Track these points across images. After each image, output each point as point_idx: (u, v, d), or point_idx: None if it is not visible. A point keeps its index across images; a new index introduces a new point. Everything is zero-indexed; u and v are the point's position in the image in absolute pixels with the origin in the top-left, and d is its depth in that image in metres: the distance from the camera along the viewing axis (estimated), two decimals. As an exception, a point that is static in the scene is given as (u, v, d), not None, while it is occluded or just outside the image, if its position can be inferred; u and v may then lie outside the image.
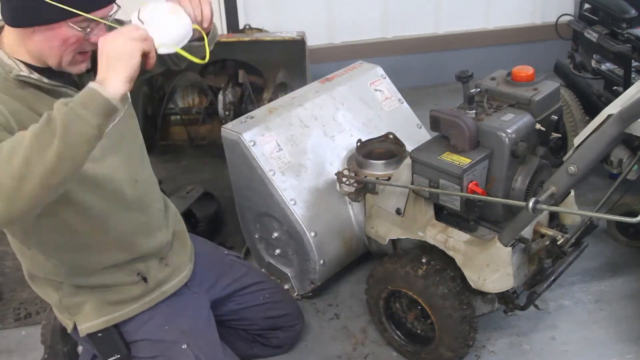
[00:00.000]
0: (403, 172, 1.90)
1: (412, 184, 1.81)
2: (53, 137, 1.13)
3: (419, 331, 1.98)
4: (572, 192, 1.93)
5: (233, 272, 1.89)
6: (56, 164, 1.14)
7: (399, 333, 2.01)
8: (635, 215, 1.39)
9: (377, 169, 2.06)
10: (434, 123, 1.75)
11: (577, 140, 1.78)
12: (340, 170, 2.10)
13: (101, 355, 1.64)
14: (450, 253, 1.81)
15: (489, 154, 1.70)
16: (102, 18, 1.34)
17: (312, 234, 2.05)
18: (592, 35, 2.63)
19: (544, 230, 1.80)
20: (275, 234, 2.17)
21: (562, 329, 2.09)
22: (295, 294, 2.23)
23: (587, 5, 2.76)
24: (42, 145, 1.13)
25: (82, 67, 1.41)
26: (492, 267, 1.73)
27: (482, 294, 1.88)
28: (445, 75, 3.53)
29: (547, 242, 1.79)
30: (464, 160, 1.67)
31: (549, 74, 2.04)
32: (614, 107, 1.76)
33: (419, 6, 3.65)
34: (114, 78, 1.22)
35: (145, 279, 1.63)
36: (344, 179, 2.06)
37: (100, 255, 1.57)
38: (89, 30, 1.34)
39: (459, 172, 1.65)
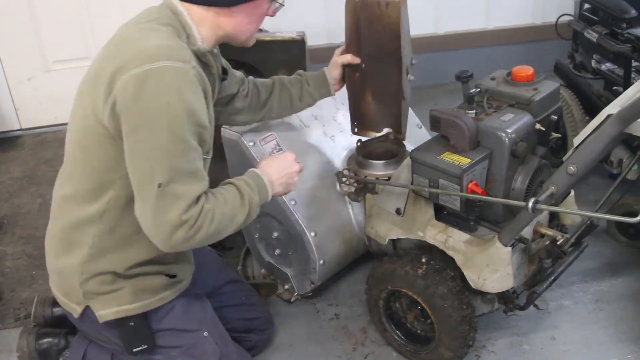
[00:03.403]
0: (403, 172, 1.90)
1: (412, 184, 1.81)
2: (244, 214, 1.51)
3: (419, 331, 1.98)
4: (572, 192, 1.93)
5: (212, 266, 1.93)
6: (236, 228, 1.51)
7: (399, 333, 2.01)
8: (635, 215, 1.39)
9: (377, 169, 2.06)
10: (434, 123, 1.76)
11: (576, 140, 1.78)
12: (340, 170, 2.10)
13: (127, 346, 1.62)
14: (450, 253, 1.81)
15: (489, 154, 1.70)
16: None
17: (312, 234, 2.05)
18: (592, 35, 2.63)
19: (544, 230, 1.80)
20: (275, 234, 2.17)
21: (562, 329, 2.09)
22: (295, 294, 2.24)
23: (587, 5, 2.76)
24: (235, 216, 1.49)
25: (252, 42, 1.64)
26: (492, 267, 1.73)
27: (482, 294, 1.88)
28: (445, 75, 3.52)
29: (547, 242, 1.79)
30: (464, 160, 1.67)
31: (549, 74, 2.04)
32: (613, 107, 1.76)
33: (419, 6, 3.63)
34: (278, 190, 1.65)
35: (172, 272, 1.66)
36: (344, 179, 2.06)
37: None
38: (272, 5, 1.58)
39: (459, 172, 1.65)
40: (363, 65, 1.94)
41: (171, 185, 1.35)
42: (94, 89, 1.42)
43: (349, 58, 1.93)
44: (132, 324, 1.60)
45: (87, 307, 1.59)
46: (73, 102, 1.56)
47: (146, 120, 1.34)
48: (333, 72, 1.97)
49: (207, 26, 1.52)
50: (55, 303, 1.92)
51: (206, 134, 1.45)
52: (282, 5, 1.61)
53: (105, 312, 1.58)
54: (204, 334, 1.69)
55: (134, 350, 1.62)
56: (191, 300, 1.72)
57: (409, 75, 1.91)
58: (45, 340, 1.84)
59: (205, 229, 1.40)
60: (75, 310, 1.61)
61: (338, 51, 1.98)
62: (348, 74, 1.98)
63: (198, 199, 1.39)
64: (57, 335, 1.85)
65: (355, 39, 1.92)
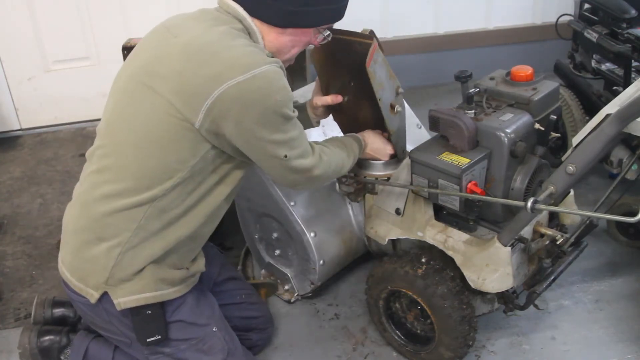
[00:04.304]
0: (402, 172, 1.90)
1: (411, 184, 1.81)
2: (349, 162, 1.84)
3: (418, 331, 1.98)
4: (572, 192, 1.93)
5: (215, 262, 1.94)
6: (344, 171, 1.84)
7: (399, 333, 2.01)
8: (635, 215, 1.39)
9: (376, 169, 2.06)
10: (433, 123, 1.76)
11: (575, 140, 1.78)
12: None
13: (141, 336, 1.62)
14: (450, 253, 1.81)
15: (488, 153, 1.70)
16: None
17: (312, 234, 2.05)
18: (592, 35, 2.63)
19: (543, 230, 1.80)
20: (275, 235, 2.17)
21: (562, 329, 2.09)
22: (295, 294, 2.24)
23: (587, 5, 2.76)
24: (344, 164, 1.82)
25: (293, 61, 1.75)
26: (491, 267, 1.73)
27: (482, 294, 1.88)
28: (445, 75, 3.53)
29: (547, 242, 1.79)
30: (463, 160, 1.67)
31: (549, 74, 2.04)
32: (612, 107, 1.75)
33: (419, 6, 3.65)
34: (367, 152, 1.95)
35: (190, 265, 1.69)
36: (344, 179, 2.06)
37: (203, 232, 1.68)
38: (318, 36, 1.67)
39: (458, 172, 1.65)
40: (345, 99, 1.92)
41: (293, 151, 1.57)
42: (179, 93, 1.47)
43: (328, 100, 1.92)
44: (150, 312, 1.60)
45: (104, 294, 1.58)
46: (122, 94, 1.59)
47: (262, 117, 1.48)
48: (315, 110, 1.96)
49: (264, 38, 1.61)
50: (55, 304, 1.92)
51: None
52: (327, 38, 1.69)
53: (125, 299, 1.57)
54: (213, 329, 1.70)
55: (148, 340, 1.61)
56: (200, 295, 1.73)
57: (396, 107, 1.88)
58: (47, 337, 1.84)
59: (326, 169, 1.70)
60: (92, 296, 1.59)
61: (316, 89, 1.97)
62: (332, 107, 1.96)
63: (313, 149, 1.67)
64: (58, 332, 1.85)
65: (331, 76, 1.91)
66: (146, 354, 1.68)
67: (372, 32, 1.77)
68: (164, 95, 1.48)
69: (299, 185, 1.69)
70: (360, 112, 1.94)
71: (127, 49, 2.80)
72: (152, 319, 1.61)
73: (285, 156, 1.56)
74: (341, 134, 2.06)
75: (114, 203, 1.54)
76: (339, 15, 1.65)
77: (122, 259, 1.55)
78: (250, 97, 1.45)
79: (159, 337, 1.62)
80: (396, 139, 1.97)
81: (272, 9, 1.55)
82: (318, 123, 2.00)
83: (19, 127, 3.46)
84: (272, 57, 1.57)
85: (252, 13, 1.58)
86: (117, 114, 1.59)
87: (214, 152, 1.55)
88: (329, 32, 1.69)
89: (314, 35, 1.66)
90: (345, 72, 1.88)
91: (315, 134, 2.19)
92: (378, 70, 1.77)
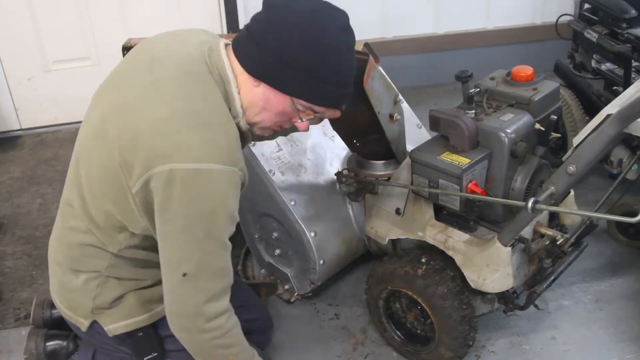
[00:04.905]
0: (403, 172, 1.90)
1: (411, 184, 1.81)
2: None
3: (418, 331, 1.98)
4: (572, 192, 1.93)
5: None
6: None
7: (399, 333, 2.01)
8: (635, 215, 1.40)
9: (376, 169, 2.06)
10: (434, 123, 1.76)
11: (576, 140, 1.78)
12: (340, 170, 2.10)
13: (137, 355, 1.62)
14: (450, 253, 1.81)
15: (489, 154, 1.70)
16: (318, 113, 1.48)
17: (312, 234, 2.05)
18: (592, 35, 2.63)
19: (543, 230, 1.80)
20: (275, 234, 2.17)
21: (562, 329, 2.09)
22: (295, 294, 2.24)
23: (587, 5, 2.76)
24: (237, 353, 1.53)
25: (267, 134, 1.57)
26: (491, 267, 1.73)
27: (482, 294, 1.88)
28: (445, 75, 3.53)
29: (547, 242, 1.79)
30: (464, 160, 1.67)
31: (549, 74, 2.04)
32: (612, 107, 1.76)
33: (419, 6, 3.65)
34: None
35: None
36: (344, 179, 2.06)
37: None
38: (302, 116, 1.47)
39: (459, 172, 1.65)
40: (343, 107, 1.91)
41: (195, 278, 1.38)
42: (128, 146, 1.36)
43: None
44: (141, 334, 1.60)
45: (94, 321, 1.59)
46: (88, 130, 1.51)
47: (186, 218, 1.34)
48: None
49: (240, 90, 1.46)
50: (54, 305, 1.91)
51: None
52: (312, 121, 1.51)
53: (115, 326, 1.58)
54: None
55: (145, 359, 1.62)
56: None
57: (395, 116, 1.87)
58: (54, 342, 1.82)
59: (216, 335, 1.44)
60: (82, 324, 1.60)
61: None
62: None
63: (224, 311, 1.44)
64: (65, 337, 1.84)
65: None
66: None
67: (367, 45, 1.75)
68: (114, 148, 1.39)
69: (180, 322, 1.44)
70: (358, 119, 1.94)
71: (127, 49, 2.80)
72: (145, 340, 1.61)
73: (184, 274, 1.37)
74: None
75: (82, 237, 1.53)
76: (323, 99, 1.44)
77: (102, 290, 1.56)
78: (183, 190, 1.31)
79: (156, 354, 1.63)
80: (396, 144, 1.97)
81: (253, 56, 1.41)
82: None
83: (19, 127, 3.46)
84: (246, 131, 1.48)
85: (237, 57, 1.44)
86: (82, 151, 1.52)
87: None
88: (313, 117, 1.49)
89: (292, 109, 1.45)
90: None
91: (315, 133, 2.19)
92: (376, 85, 1.77)
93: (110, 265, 1.54)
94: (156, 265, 1.46)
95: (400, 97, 1.89)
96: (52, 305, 1.90)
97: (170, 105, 1.36)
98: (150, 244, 1.49)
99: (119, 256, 1.53)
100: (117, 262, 1.54)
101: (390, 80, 1.87)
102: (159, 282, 1.58)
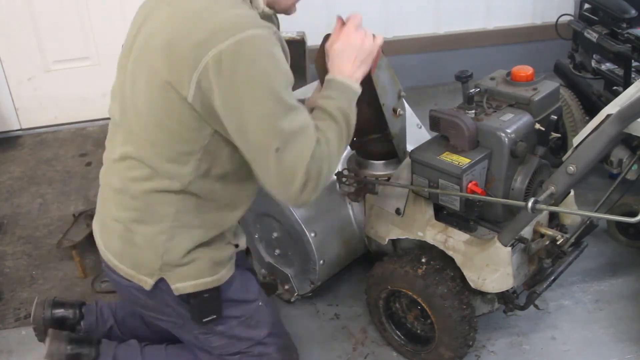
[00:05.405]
0: (403, 172, 1.90)
1: (411, 184, 1.81)
2: (346, 129, 1.52)
3: (418, 331, 1.98)
4: (572, 192, 1.93)
5: None
6: (346, 143, 1.55)
7: (399, 333, 2.01)
8: (635, 215, 1.40)
9: (377, 169, 2.06)
10: (434, 123, 1.76)
11: (576, 140, 1.78)
12: (340, 170, 2.10)
13: (198, 316, 1.63)
14: (450, 253, 1.81)
15: (489, 154, 1.70)
16: None
17: (312, 234, 2.05)
18: (592, 35, 2.63)
19: (543, 230, 1.80)
20: (275, 234, 2.17)
21: (562, 329, 2.09)
22: (295, 294, 2.23)
23: (587, 5, 2.76)
24: (342, 140, 1.51)
25: (291, 12, 1.63)
26: (491, 267, 1.73)
27: (482, 294, 1.88)
28: (445, 75, 3.52)
29: (547, 242, 1.79)
30: (464, 160, 1.67)
31: (549, 74, 2.04)
32: (613, 107, 1.76)
33: (419, 6, 3.65)
34: (361, 74, 1.57)
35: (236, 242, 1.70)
36: (344, 179, 2.06)
37: (241, 207, 1.63)
38: None
39: (459, 172, 1.65)
40: None
41: (288, 147, 1.37)
42: (167, 62, 1.39)
43: None
44: (207, 295, 1.61)
45: (159, 280, 1.58)
46: (124, 74, 1.52)
47: (248, 92, 1.34)
48: None
49: None
50: (55, 304, 1.91)
51: None
52: None
53: (183, 285, 1.58)
54: (259, 303, 1.73)
55: (204, 320, 1.62)
56: (243, 271, 1.74)
57: (398, 111, 1.88)
58: (77, 349, 1.77)
59: (326, 173, 1.45)
60: (147, 283, 1.57)
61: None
62: None
63: (312, 151, 1.41)
64: (89, 343, 1.79)
65: None
66: (196, 333, 1.68)
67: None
68: (157, 70, 1.41)
69: (306, 194, 1.44)
70: (360, 115, 1.94)
71: (127, 49, 2.81)
72: (209, 301, 1.62)
73: (277, 149, 1.37)
74: None
75: (147, 185, 1.51)
76: None
77: (170, 245, 1.54)
78: (234, 65, 1.33)
79: (215, 316, 1.64)
80: (398, 141, 1.97)
81: None
82: None
83: (19, 127, 3.46)
84: (271, 15, 1.52)
85: None
86: (124, 97, 1.53)
87: (218, 136, 1.45)
88: None
89: None
90: None
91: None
92: (382, 75, 1.77)
93: (178, 211, 1.52)
94: (221, 207, 1.54)
95: (404, 92, 1.90)
96: (53, 305, 1.90)
97: (194, 4, 1.41)
98: (215, 169, 1.49)
99: (186, 195, 1.51)
100: (183, 206, 1.52)
101: (395, 75, 1.87)
102: (223, 238, 1.62)
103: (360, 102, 1.88)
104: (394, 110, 1.87)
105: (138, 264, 1.58)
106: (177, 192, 1.51)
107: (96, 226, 1.72)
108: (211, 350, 1.73)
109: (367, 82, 1.75)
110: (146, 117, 1.47)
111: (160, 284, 1.58)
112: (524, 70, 1.79)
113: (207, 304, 1.62)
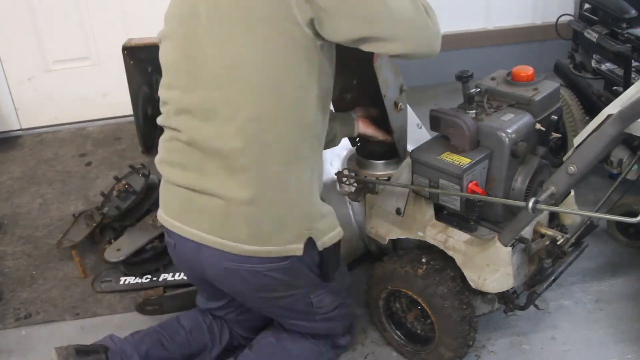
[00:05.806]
0: (403, 172, 1.90)
1: (412, 184, 1.81)
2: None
3: (419, 331, 1.98)
4: (572, 192, 1.93)
5: None
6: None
7: (399, 333, 2.01)
8: (635, 215, 1.40)
9: (377, 169, 2.06)
10: (434, 123, 1.76)
11: (576, 140, 1.78)
12: (340, 170, 2.10)
13: (328, 273, 1.66)
14: (450, 253, 1.81)
15: (489, 154, 1.70)
16: None
17: (312, 234, 2.04)
18: (592, 35, 2.63)
19: (544, 230, 1.80)
20: (275, 234, 2.16)
21: (562, 329, 2.09)
22: (296, 294, 2.23)
23: (587, 5, 2.76)
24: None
25: None
26: (492, 267, 1.73)
27: (482, 294, 1.88)
28: (445, 75, 3.51)
29: (547, 242, 1.79)
30: (464, 160, 1.67)
31: (549, 74, 2.04)
32: (613, 107, 1.76)
33: (418, 6, 3.65)
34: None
35: None
36: (344, 179, 2.06)
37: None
38: None
39: (459, 172, 1.65)
40: (348, 96, 1.93)
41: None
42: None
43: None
44: (334, 247, 1.64)
45: (308, 240, 1.57)
46: (209, 25, 1.43)
47: None
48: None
49: None
50: (78, 353, 1.66)
51: None
52: None
53: (326, 238, 1.60)
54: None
55: (333, 274, 1.68)
56: None
57: (399, 105, 1.88)
58: None
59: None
60: (298, 249, 1.56)
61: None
62: (335, 107, 1.95)
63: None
64: None
65: (335, 74, 1.85)
66: (312, 298, 1.71)
67: None
68: (254, 5, 1.36)
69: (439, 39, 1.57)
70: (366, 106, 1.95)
71: (127, 49, 2.81)
72: (335, 253, 1.66)
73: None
74: None
75: (275, 155, 1.48)
76: None
77: (312, 191, 1.56)
78: None
79: (336, 268, 1.70)
80: (398, 137, 1.97)
81: None
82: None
83: (19, 127, 3.46)
84: None
85: None
86: (206, 56, 1.43)
87: (327, 46, 1.44)
88: None
89: None
90: (349, 70, 1.87)
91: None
92: (384, 66, 1.77)
93: (314, 169, 1.55)
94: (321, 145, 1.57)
95: (406, 87, 1.91)
96: (77, 354, 1.67)
97: None
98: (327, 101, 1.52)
99: (313, 124, 1.51)
100: (310, 149, 1.53)
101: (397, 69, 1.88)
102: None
103: (363, 96, 1.89)
104: (396, 104, 1.87)
105: (283, 236, 1.54)
106: (309, 157, 1.54)
107: (209, 232, 1.56)
108: (317, 312, 1.73)
109: (370, 76, 1.75)
110: (255, 71, 1.42)
111: (308, 246, 1.58)
112: (525, 70, 1.79)
113: (334, 257, 1.65)
